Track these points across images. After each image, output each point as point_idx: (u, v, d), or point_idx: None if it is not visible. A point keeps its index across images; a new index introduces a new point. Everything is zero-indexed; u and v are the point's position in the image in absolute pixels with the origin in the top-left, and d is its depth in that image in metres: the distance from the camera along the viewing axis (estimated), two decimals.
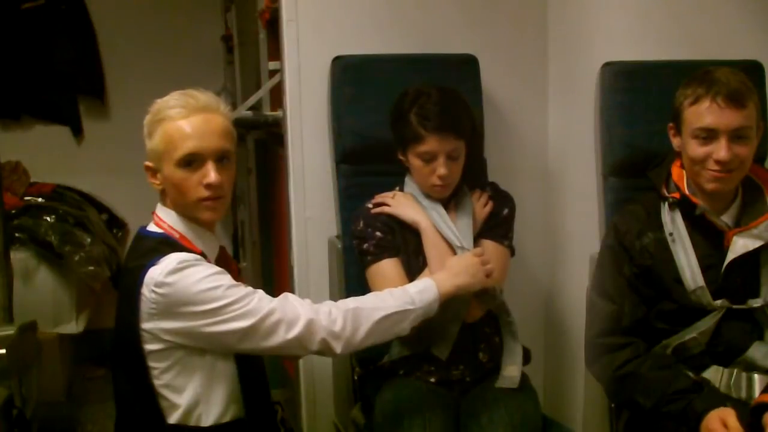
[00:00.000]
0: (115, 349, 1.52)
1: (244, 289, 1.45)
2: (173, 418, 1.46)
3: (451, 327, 1.76)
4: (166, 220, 1.52)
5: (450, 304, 1.70)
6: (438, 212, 1.81)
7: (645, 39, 2.04)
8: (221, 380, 1.49)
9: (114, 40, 3.75)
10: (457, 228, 1.80)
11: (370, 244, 1.81)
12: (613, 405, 1.78)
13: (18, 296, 2.19)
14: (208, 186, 1.46)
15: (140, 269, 1.42)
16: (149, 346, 1.43)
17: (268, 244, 3.29)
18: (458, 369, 1.81)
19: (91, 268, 3.17)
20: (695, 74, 1.63)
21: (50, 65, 3.68)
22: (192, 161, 1.46)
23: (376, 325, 1.51)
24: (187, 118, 1.46)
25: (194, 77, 3.64)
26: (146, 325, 1.42)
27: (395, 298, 1.56)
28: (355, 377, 1.93)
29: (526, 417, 1.72)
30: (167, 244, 1.48)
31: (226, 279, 1.44)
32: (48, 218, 3.20)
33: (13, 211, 3.15)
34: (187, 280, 1.40)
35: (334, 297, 2.08)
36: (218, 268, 1.45)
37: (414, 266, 1.81)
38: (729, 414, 1.50)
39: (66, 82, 3.74)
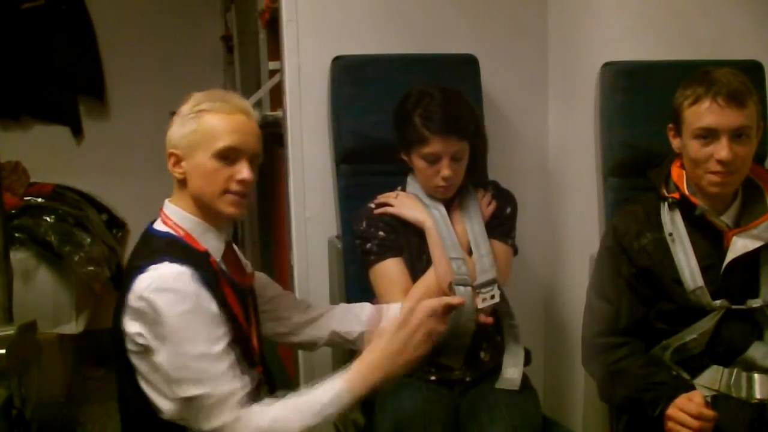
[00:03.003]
0: (112, 347, 1.53)
1: (204, 348, 1.39)
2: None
3: (463, 339, 1.76)
4: (172, 217, 1.52)
5: (459, 319, 1.71)
6: (440, 212, 1.81)
7: (645, 39, 2.04)
8: None
9: (114, 40, 3.76)
10: (472, 233, 1.80)
11: (373, 244, 1.81)
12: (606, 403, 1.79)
13: (18, 296, 2.19)
14: (241, 181, 1.49)
15: (135, 270, 1.42)
16: (130, 347, 1.43)
17: (268, 244, 3.29)
18: (459, 368, 1.81)
19: (91, 268, 3.17)
20: (694, 75, 1.63)
21: (50, 65, 3.69)
22: (230, 156, 1.47)
23: None
24: (231, 114, 1.49)
25: (194, 77, 3.70)
26: (126, 328, 1.42)
27: (301, 414, 1.42)
28: None
29: (526, 417, 1.72)
30: (170, 244, 1.47)
31: (211, 310, 1.41)
32: (48, 218, 3.21)
33: (13, 211, 3.15)
34: (167, 305, 1.37)
35: (334, 297, 2.08)
36: (200, 305, 1.40)
37: (417, 266, 1.81)
38: (692, 396, 1.52)
39: (66, 82, 3.75)
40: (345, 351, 1.96)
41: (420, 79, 1.88)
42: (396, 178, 1.90)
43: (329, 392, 1.44)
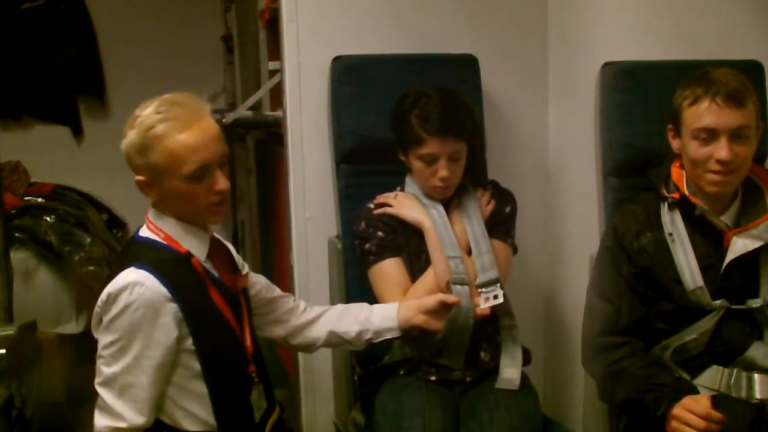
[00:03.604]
0: None
1: (125, 364, 1.44)
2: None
3: (462, 338, 1.76)
4: (153, 220, 1.52)
5: (457, 317, 1.71)
6: (438, 212, 1.81)
7: (645, 39, 2.04)
8: (192, 398, 1.49)
9: (114, 40, 3.75)
10: (472, 233, 1.80)
11: (372, 244, 1.81)
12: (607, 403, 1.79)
13: (18, 296, 2.19)
14: (219, 192, 1.47)
15: (109, 280, 1.45)
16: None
17: (268, 244, 3.29)
18: (459, 369, 1.81)
19: (91, 268, 3.17)
20: (693, 75, 1.63)
21: (50, 65, 3.69)
22: (202, 174, 1.44)
23: None
24: (187, 131, 1.42)
25: (194, 77, 3.69)
26: (94, 329, 1.49)
27: None
28: (355, 377, 1.94)
29: (526, 417, 1.72)
30: (146, 248, 1.48)
31: (140, 338, 1.42)
32: (48, 218, 3.20)
33: (13, 211, 3.15)
34: (109, 318, 1.44)
35: (334, 297, 2.08)
36: (152, 319, 1.42)
37: (416, 266, 1.81)
38: (698, 399, 1.53)
39: (66, 82, 3.75)
40: (345, 351, 1.96)
41: (420, 79, 1.88)
42: (396, 178, 1.90)
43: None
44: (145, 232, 1.51)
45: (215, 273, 1.53)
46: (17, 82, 3.67)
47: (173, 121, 1.42)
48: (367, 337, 1.73)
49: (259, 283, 1.72)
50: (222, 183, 1.46)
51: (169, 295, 1.42)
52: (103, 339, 1.46)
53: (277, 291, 1.77)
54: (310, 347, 1.80)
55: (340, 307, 1.82)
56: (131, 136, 1.43)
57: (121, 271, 1.43)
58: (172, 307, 1.42)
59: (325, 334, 1.75)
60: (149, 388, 1.44)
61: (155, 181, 1.45)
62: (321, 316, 1.76)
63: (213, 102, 3.67)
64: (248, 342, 1.57)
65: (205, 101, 1.52)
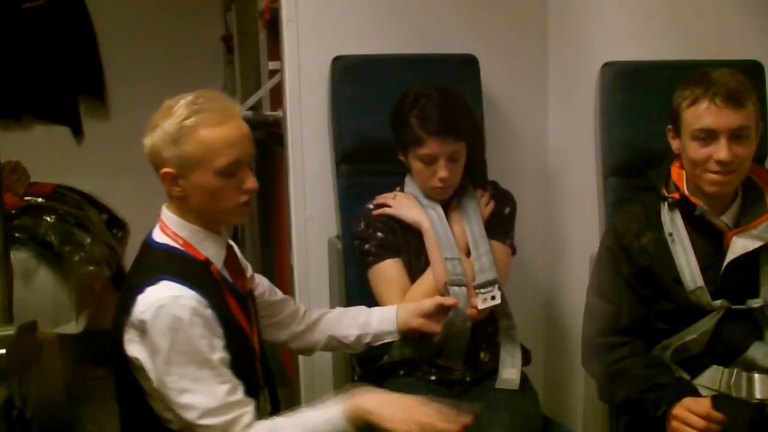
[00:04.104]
0: (110, 355, 1.50)
1: (203, 371, 1.36)
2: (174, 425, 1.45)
3: (461, 338, 1.76)
4: (169, 225, 1.48)
5: (455, 319, 1.71)
6: (437, 213, 1.81)
7: (645, 39, 2.04)
8: None
9: (114, 40, 3.76)
10: (471, 234, 1.80)
11: (372, 245, 1.81)
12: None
13: (18, 296, 2.18)
14: (248, 191, 1.46)
15: (134, 290, 1.39)
16: (131, 362, 1.41)
17: (268, 244, 3.29)
18: (459, 368, 1.81)
19: (91, 268, 3.17)
20: (692, 75, 1.63)
21: (50, 65, 3.69)
22: (233, 170, 1.43)
23: None
24: (222, 125, 1.41)
25: (194, 77, 3.69)
26: (126, 346, 1.40)
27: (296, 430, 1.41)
28: (355, 377, 1.93)
29: (526, 417, 1.72)
30: (168, 257, 1.44)
31: (202, 344, 1.36)
32: (48, 218, 3.21)
33: (13, 211, 3.15)
34: (161, 332, 1.35)
35: (334, 297, 2.08)
36: (200, 326, 1.37)
37: (415, 267, 1.81)
38: (699, 399, 1.53)
39: (66, 82, 3.75)
40: (345, 353, 1.96)
41: (420, 80, 1.88)
42: (396, 179, 1.90)
43: (325, 416, 1.41)
44: (161, 237, 1.48)
45: (229, 277, 1.52)
46: (17, 82, 3.67)
47: (210, 113, 1.41)
48: (367, 340, 1.74)
49: (262, 285, 1.72)
50: (251, 182, 1.45)
51: (205, 302, 1.39)
52: (173, 371, 1.36)
53: (279, 294, 1.76)
54: (309, 351, 1.80)
55: (338, 310, 1.82)
56: (164, 126, 1.41)
57: (145, 282, 1.38)
58: (211, 313, 1.40)
59: (324, 339, 1.75)
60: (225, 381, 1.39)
61: (184, 174, 1.42)
62: (320, 320, 1.76)
63: None
64: (257, 346, 1.57)
65: (235, 102, 1.51)
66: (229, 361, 1.40)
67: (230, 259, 1.55)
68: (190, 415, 1.36)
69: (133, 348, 1.39)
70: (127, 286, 1.45)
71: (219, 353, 1.39)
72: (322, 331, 1.75)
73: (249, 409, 1.39)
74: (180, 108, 1.41)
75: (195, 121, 1.40)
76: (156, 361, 1.36)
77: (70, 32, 3.72)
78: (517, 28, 2.27)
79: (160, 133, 1.41)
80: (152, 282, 1.38)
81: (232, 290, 1.50)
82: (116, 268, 3.51)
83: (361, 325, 1.74)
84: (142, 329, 1.36)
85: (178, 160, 1.41)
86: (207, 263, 1.46)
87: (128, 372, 1.42)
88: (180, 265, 1.43)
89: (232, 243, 1.61)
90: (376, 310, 1.76)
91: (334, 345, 1.77)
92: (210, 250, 1.48)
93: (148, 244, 1.49)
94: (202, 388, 1.36)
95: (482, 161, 1.99)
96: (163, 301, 1.36)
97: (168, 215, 1.48)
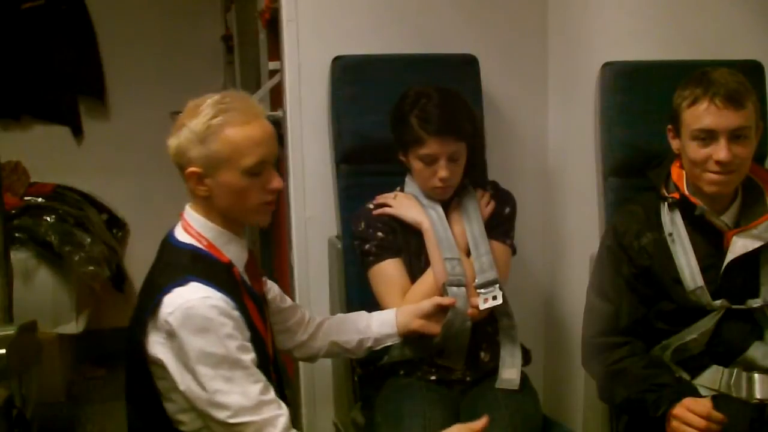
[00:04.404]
0: (126, 353, 1.49)
1: (237, 371, 1.35)
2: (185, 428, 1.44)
3: (461, 339, 1.76)
4: (194, 225, 1.46)
5: (454, 320, 1.71)
6: (437, 213, 1.81)
7: (645, 39, 2.04)
8: None
9: (114, 40, 3.75)
10: (471, 234, 1.80)
11: (372, 245, 1.81)
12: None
13: (18, 296, 2.19)
14: (274, 191, 1.45)
15: (159, 290, 1.37)
16: (151, 362, 1.40)
17: (268, 244, 3.29)
18: (459, 369, 1.81)
19: (91, 268, 3.17)
20: (692, 75, 1.63)
21: (50, 65, 3.69)
22: (260, 170, 1.42)
23: None
24: (249, 124, 1.41)
25: (194, 77, 3.69)
26: (149, 346, 1.38)
27: None
28: (355, 377, 1.93)
29: (526, 417, 1.72)
30: (194, 258, 1.43)
31: (231, 347, 1.35)
32: (48, 218, 3.21)
33: (13, 211, 3.15)
34: (191, 333, 1.33)
35: (334, 297, 2.08)
36: (231, 326, 1.36)
37: (416, 267, 1.81)
38: (700, 399, 1.53)
39: (66, 82, 3.74)
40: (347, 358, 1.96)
41: (420, 80, 1.88)
42: (396, 179, 1.90)
43: None
44: (184, 237, 1.46)
45: (248, 281, 1.52)
46: (17, 82, 3.67)
47: (236, 112, 1.41)
48: (368, 345, 1.74)
49: (273, 290, 1.71)
50: (277, 181, 1.45)
51: (232, 303, 1.39)
52: (204, 373, 1.34)
53: (288, 301, 1.76)
54: (312, 358, 1.80)
55: (338, 316, 1.83)
56: (191, 125, 1.41)
57: (172, 283, 1.37)
58: (238, 314, 1.40)
59: (326, 345, 1.76)
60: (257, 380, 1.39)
61: (210, 173, 1.41)
62: (321, 327, 1.77)
63: None
64: (271, 351, 1.56)
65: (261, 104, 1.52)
66: (257, 362, 1.39)
67: (250, 262, 1.55)
68: (223, 415, 1.35)
69: (158, 349, 1.37)
70: (150, 286, 1.43)
71: (250, 354, 1.38)
72: (324, 338, 1.75)
73: (284, 411, 1.39)
74: (207, 107, 1.42)
75: (222, 120, 1.40)
76: (186, 363, 1.35)
77: (70, 32, 3.71)
78: (517, 28, 2.27)
79: (186, 133, 1.41)
80: (180, 283, 1.36)
81: (251, 294, 1.50)
82: (116, 268, 3.52)
83: (361, 330, 1.74)
84: (170, 331, 1.35)
85: (205, 160, 1.41)
86: (230, 265, 1.46)
87: (144, 372, 1.41)
88: (205, 267, 1.42)
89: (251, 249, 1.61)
90: (375, 314, 1.77)
91: (335, 351, 1.77)
92: (233, 252, 1.48)
93: (171, 244, 1.47)
94: (235, 388, 1.35)
95: (482, 161, 1.99)
96: (193, 302, 1.35)
97: (192, 216, 1.47)
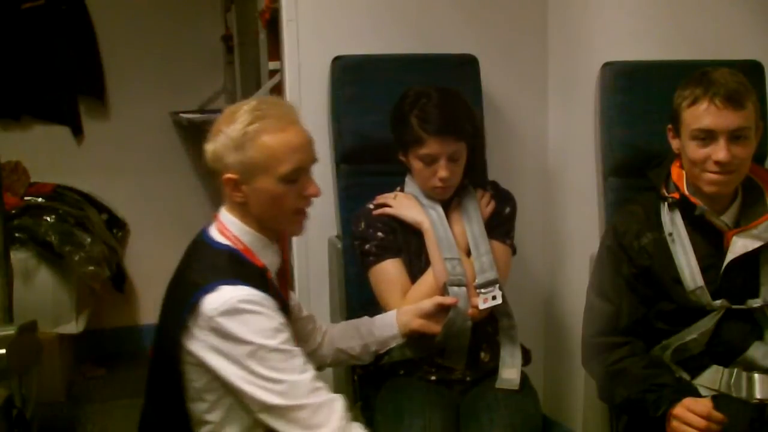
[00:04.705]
0: (154, 351, 1.49)
1: (290, 361, 1.36)
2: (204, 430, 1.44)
3: (462, 339, 1.76)
4: (230, 229, 1.46)
5: (455, 319, 1.71)
6: (437, 213, 1.81)
7: (645, 39, 2.04)
8: (243, 412, 1.43)
9: (114, 40, 3.75)
10: (471, 234, 1.80)
11: (372, 245, 1.81)
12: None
13: (18, 296, 2.18)
14: (309, 197, 1.45)
15: (198, 288, 1.37)
16: (187, 359, 1.39)
17: None
18: (460, 368, 1.81)
19: (91, 268, 3.17)
20: (693, 75, 1.63)
21: (50, 65, 3.68)
22: (296, 177, 1.42)
23: None
24: (285, 131, 1.41)
25: (194, 77, 3.69)
26: (187, 343, 1.38)
27: None
28: (355, 377, 1.94)
29: (526, 417, 1.72)
30: (231, 260, 1.43)
31: (280, 338, 1.36)
32: (48, 218, 3.20)
33: (13, 211, 3.15)
34: (240, 327, 1.34)
35: (334, 297, 2.08)
36: (278, 321, 1.38)
37: (416, 267, 1.81)
38: (700, 399, 1.53)
39: (66, 82, 3.74)
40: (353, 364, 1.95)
41: (420, 79, 1.88)
42: (396, 179, 1.90)
43: None
44: (221, 238, 1.46)
45: (278, 287, 1.52)
46: (17, 82, 3.66)
47: (273, 119, 1.41)
48: (373, 349, 1.74)
49: (293, 298, 1.71)
50: (314, 188, 1.45)
51: (274, 304, 1.39)
52: (256, 365, 1.34)
53: (305, 311, 1.77)
54: (321, 367, 1.79)
55: (341, 324, 1.83)
56: (227, 131, 1.41)
57: (216, 281, 1.36)
58: (280, 314, 1.40)
59: (332, 353, 1.76)
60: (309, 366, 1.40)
61: (247, 179, 1.42)
62: (325, 336, 1.77)
63: (213, 102, 3.67)
64: None
65: (297, 109, 1.51)
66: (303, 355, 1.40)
67: (282, 269, 1.56)
68: (278, 400, 1.34)
69: (198, 346, 1.36)
70: (185, 284, 1.42)
71: (296, 346, 1.39)
72: (329, 346, 1.76)
73: (338, 397, 1.39)
74: (243, 114, 1.41)
75: (259, 127, 1.40)
76: (236, 356, 1.34)
77: (70, 32, 3.71)
78: (517, 28, 2.27)
79: (223, 139, 1.41)
80: (225, 282, 1.36)
81: (281, 300, 1.49)
82: (116, 268, 3.51)
83: (363, 335, 1.74)
84: (216, 327, 1.34)
85: (241, 166, 1.41)
86: (264, 270, 1.46)
87: (174, 371, 1.40)
88: (243, 269, 1.42)
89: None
90: (376, 318, 1.77)
91: (342, 358, 1.77)
92: (268, 258, 1.48)
93: (207, 243, 1.47)
94: (288, 376, 1.35)
95: (482, 161, 1.99)
96: (241, 297, 1.35)
97: (229, 219, 1.47)
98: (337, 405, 1.38)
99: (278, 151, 1.40)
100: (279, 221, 1.47)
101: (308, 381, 1.37)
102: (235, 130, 1.40)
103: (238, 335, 1.34)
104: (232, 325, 1.34)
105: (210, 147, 1.43)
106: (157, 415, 1.49)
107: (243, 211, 1.46)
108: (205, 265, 1.43)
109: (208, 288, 1.36)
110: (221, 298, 1.35)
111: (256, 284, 1.39)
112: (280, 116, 1.43)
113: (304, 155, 1.43)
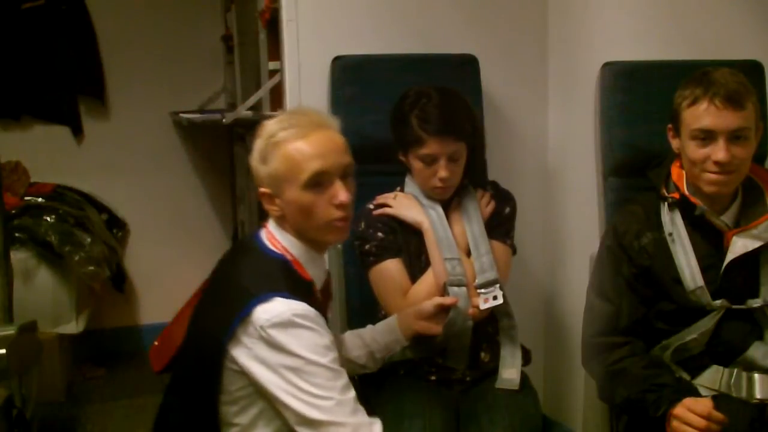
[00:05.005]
0: (189, 350, 1.48)
1: (336, 381, 1.35)
2: None
3: (463, 339, 1.76)
4: (280, 240, 1.45)
5: (456, 319, 1.71)
6: (437, 213, 1.81)
7: (645, 39, 2.05)
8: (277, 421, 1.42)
9: (114, 40, 3.75)
10: (471, 234, 1.80)
11: (372, 245, 1.81)
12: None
13: (18, 296, 2.18)
14: (340, 205, 1.41)
15: (251, 296, 1.35)
16: (228, 364, 1.38)
17: None
18: (462, 369, 1.81)
19: (91, 268, 3.17)
20: (693, 75, 1.63)
21: (50, 65, 3.68)
22: (320, 182, 1.39)
23: None
24: (306, 138, 1.39)
25: (194, 77, 3.69)
26: (233, 349, 1.36)
27: None
28: (356, 377, 1.93)
29: (526, 417, 1.72)
30: (284, 271, 1.42)
31: (330, 357, 1.35)
32: (48, 218, 3.20)
33: (13, 211, 3.15)
34: (292, 341, 1.32)
35: (334, 297, 2.08)
36: (328, 339, 1.36)
37: (416, 267, 1.81)
38: (700, 399, 1.53)
39: (66, 82, 3.74)
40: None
41: (420, 79, 1.88)
42: (396, 179, 1.90)
43: None
44: (272, 247, 1.45)
45: (322, 303, 1.51)
46: (17, 82, 3.66)
47: (293, 128, 1.40)
48: (380, 355, 1.73)
49: (331, 311, 1.71)
50: (342, 195, 1.40)
51: (321, 319, 1.39)
52: (302, 379, 1.33)
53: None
54: None
55: (345, 334, 1.81)
56: (256, 145, 1.42)
57: (269, 292, 1.34)
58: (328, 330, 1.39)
59: (344, 364, 1.75)
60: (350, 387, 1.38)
61: (277, 192, 1.41)
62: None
63: (213, 102, 3.67)
64: None
65: (335, 117, 1.50)
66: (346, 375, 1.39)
67: (327, 284, 1.55)
68: (319, 415, 1.32)
69: (243, 353, 1.35)
70: (236, 290, 1.40)
71: (342, 367, 1.38)
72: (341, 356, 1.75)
73: (377, 421, 1.39)
74: (270, 125, 1.42)
75: (280, 138, 1.40)
76: (282, 368, 1.33)
77: (70, 32, 3.71)
78: (517, 28, 2.28)
79: (254, 153, 1.42)
80: (278, 294, 1.35)
81: (324, 315, 1.47)
82: (116, 268, 3.51)
83: (368, 343, 1.73)
84: (266, 338, 1.33)
85: (269, 179, 1.41)
86: (311, 284, 1.45)
87: (212, 372, 1.38)
88: (294, 282, 1.41)
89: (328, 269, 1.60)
90: (378, 325, 1.76)
91: (349, 368, 1.75)
92: (314, 271, 1.47)
93: (262, 251, 1.46)
94: (331, 393, 1.33)
95: (482, 161, 1.99)
96: (297, 311, 1.34)
97: (279, 231, 1.46)
98: (376, 428, 1.38)
99: (297, 159, 1.39)
100: (315, 232, 1.44)
101: (351, 401, 1.36)
102: (260, 143, 1.42)
103: (289, 348, 1.33)
104: (283, 337, 1.33)
105: (251, 163, 1.45)
106: (185, 414, 1.47)
107: (283, 224, 1.45)
108: (257, 273, 1.42)
109: (262, 298, 1.34)
110: (275, 310, 1.34)
111: (304, 298, 1.38)
112: (303, 124, 1.41)
113: (325, 160, 1.40)
